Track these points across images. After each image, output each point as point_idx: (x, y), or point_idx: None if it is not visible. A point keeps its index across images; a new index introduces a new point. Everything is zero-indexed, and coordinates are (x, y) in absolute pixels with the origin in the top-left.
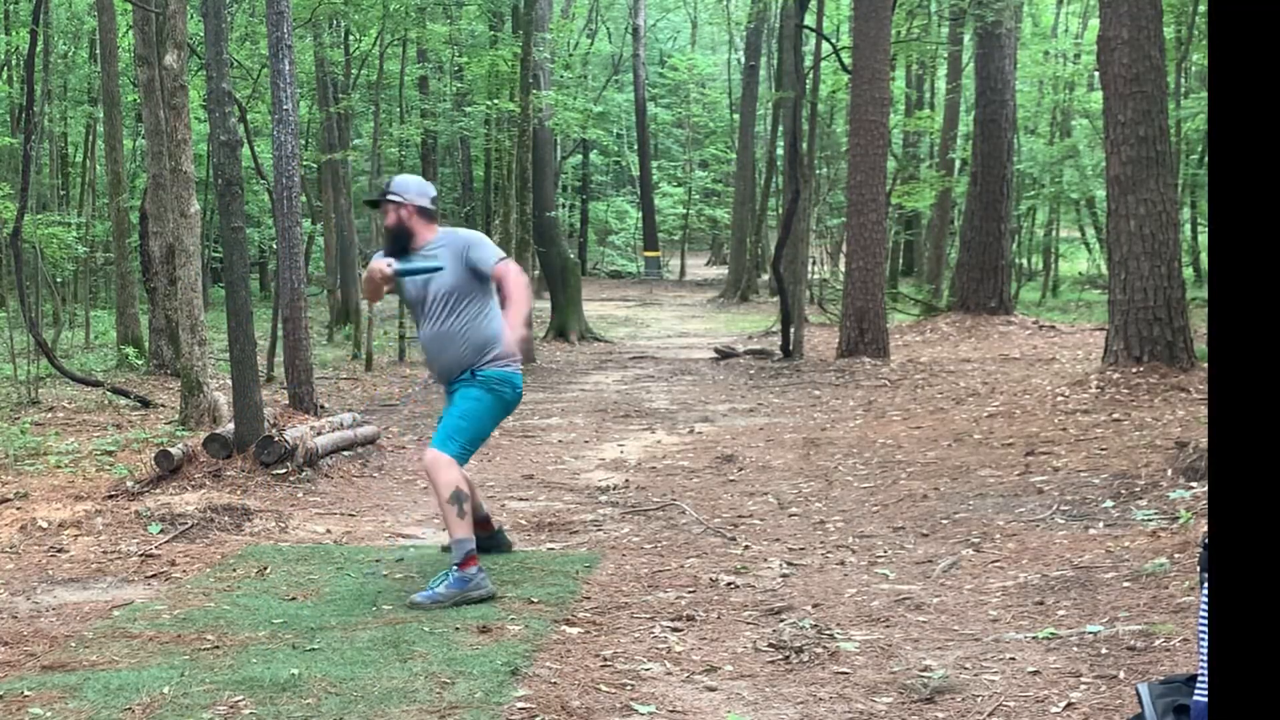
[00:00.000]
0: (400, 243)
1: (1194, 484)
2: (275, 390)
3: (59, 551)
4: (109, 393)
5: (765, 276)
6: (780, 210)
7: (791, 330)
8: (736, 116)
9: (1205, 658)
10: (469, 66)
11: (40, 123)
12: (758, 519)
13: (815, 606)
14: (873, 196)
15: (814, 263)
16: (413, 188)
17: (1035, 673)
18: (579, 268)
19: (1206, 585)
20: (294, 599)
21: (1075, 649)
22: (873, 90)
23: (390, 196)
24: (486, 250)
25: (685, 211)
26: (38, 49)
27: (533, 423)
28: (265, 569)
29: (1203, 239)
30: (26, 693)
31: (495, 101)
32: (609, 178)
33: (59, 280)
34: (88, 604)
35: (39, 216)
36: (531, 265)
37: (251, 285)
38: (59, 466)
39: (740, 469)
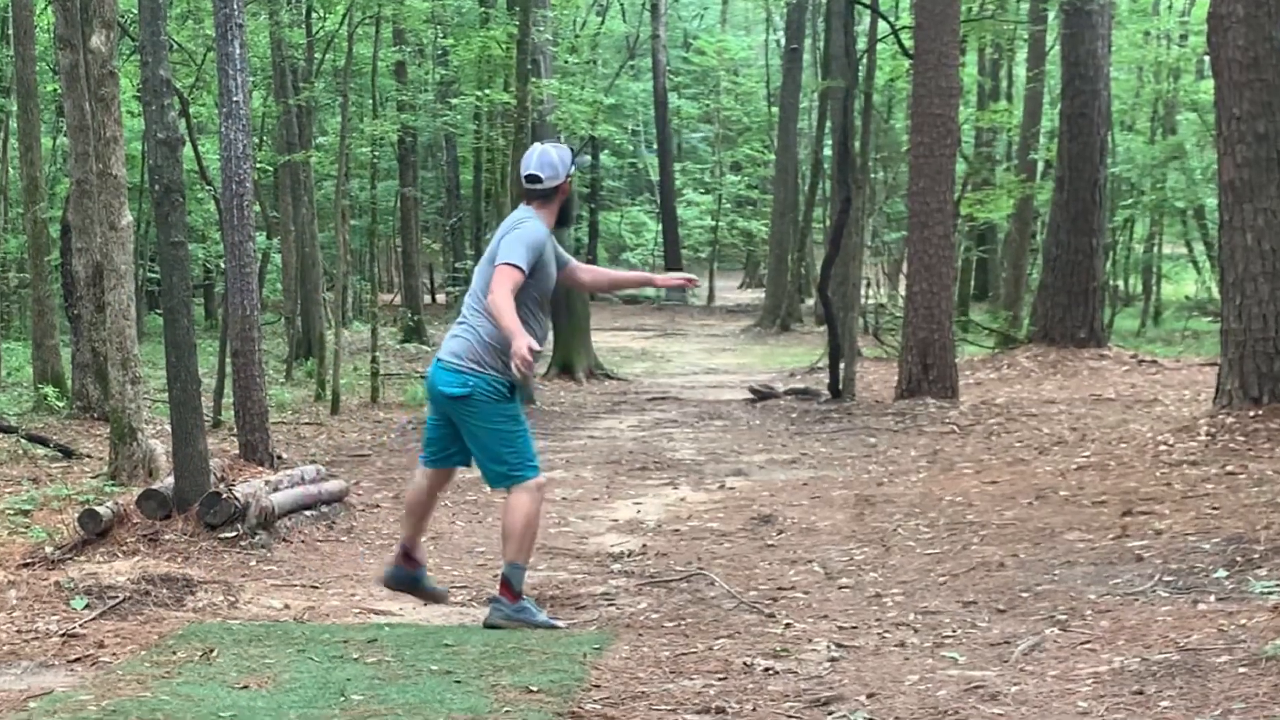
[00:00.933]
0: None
1: None
2: (223, 438)
3: None
4: (23, 440)
5: (810, 302)
6: (828, 222)
7: (841, 366)
8: (775, 110)
9: None
10: (455, 50)
11: None
12: (801, 591)
13: (870, 697)
14: (938, 206)
15: (868, 285)
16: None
17: None
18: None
19: None
20: (245, 687)
21: None
22: (938, 78)
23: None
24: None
25: (714, 224)
26: None
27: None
28: (211, 652)
29: None
30: None
31: (487, 92)
32: (623, 183)
33: None
34: None
35: None
36: None
37: (195, 312)
38: None
39: (780, 532)
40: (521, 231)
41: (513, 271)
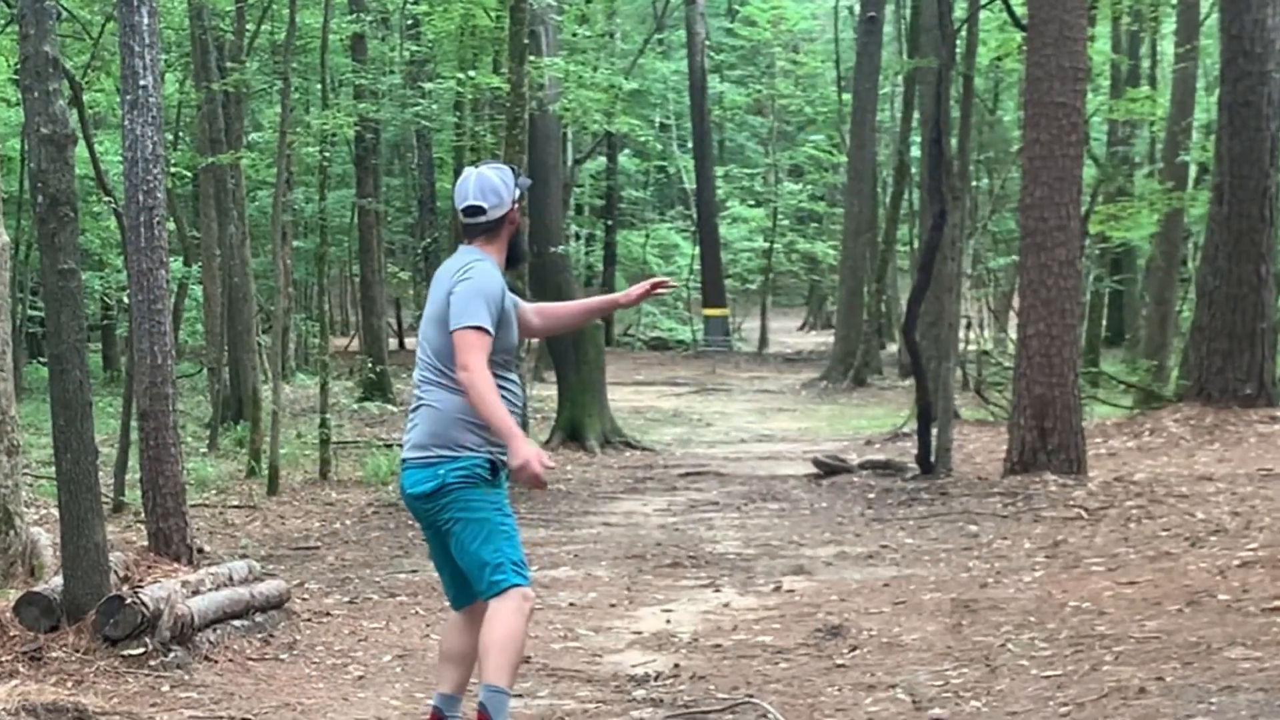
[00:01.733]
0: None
1: None
2: (127, 525)
3: None
4: None
5: (893, 348)
6: (915, 244)
7: (933, 431)
8: (848, 98)
9: None
10: (430, 20)
11: None
12: None
13: None
14: (1060, 223)
15: (969, 326)
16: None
17: None
18: (601, 334)
19: None
20: None
21: None
22: (1060, 56)
23: (510, 198)
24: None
25: (768, 245)
26: None
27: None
28: None
29: None
30: None
31: (471, 75)
32: (648, 193)
33: None
34: None
35: None
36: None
37: (91, 361)
38: None
39: (853, 648)
40: (475, 281)
41: (480, 337)
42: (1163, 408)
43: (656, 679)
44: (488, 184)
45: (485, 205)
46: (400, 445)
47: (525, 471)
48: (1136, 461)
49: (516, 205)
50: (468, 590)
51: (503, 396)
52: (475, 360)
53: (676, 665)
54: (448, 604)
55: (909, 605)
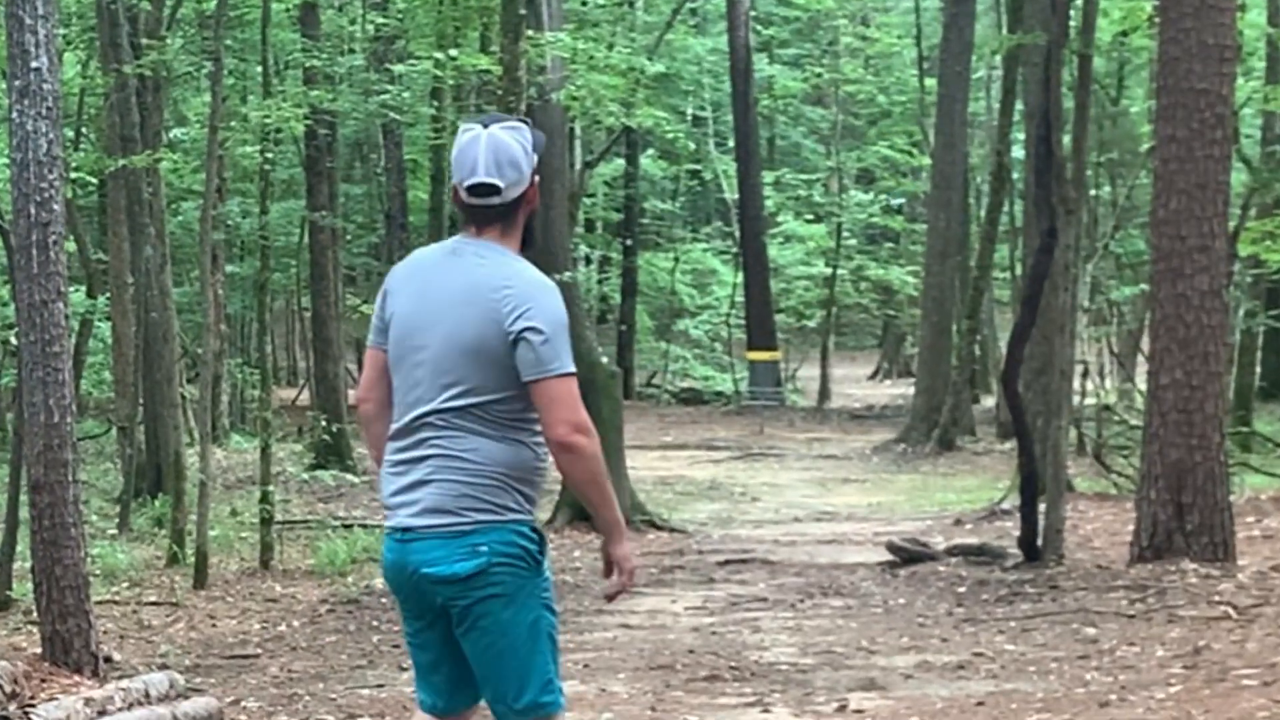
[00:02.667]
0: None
1: None
2: (15, 626)
3: None
4: None
5: (989, 401)
6: (1018, 270)
7: (1041, 508)
8: (932, 83)
9: None
10: None
11: None
12: None
13: None
14: (1201, 243)
15: (1085, 374)
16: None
17: None
18: (619, 382)
19: None
20: None
21: None
22: (1202, 30)
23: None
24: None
25: (830, 271)
26: None
27: None
28: None
29: None
30: None
31: (452, 55)
32: (678, 204)
33: None
34: None
35: None
36: None
37: None
38: None
39: None
40: (555, 307)
41: (574, 385)
42: None
43: None
44: (504, 151)
45: (501, 183)
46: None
47: (628, 574)
48: None
49: (537, 177)
50: (462, 697)
51: (538, 471)
52: (586, 418)
53: None
54: (421, 708)
55: None
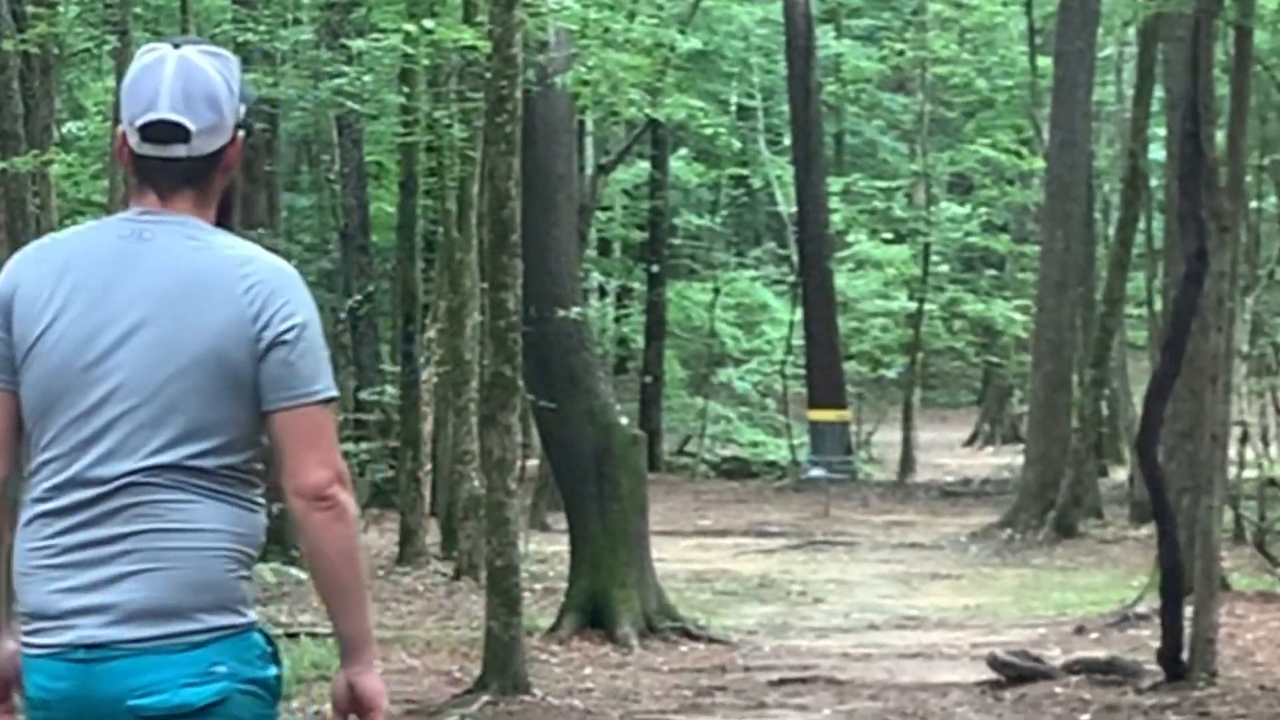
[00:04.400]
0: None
1: None
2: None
3: None
4: None
5: (1120, 474)
6: (1157, 304)
7: (1188, 611)
8: (1047, 64)
9: None
10: None
11: None
12: None
13: None
14: None
15: (1244, 439)
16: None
17: None
18: (642, 450)
19: None
20: None
21: None
22: None
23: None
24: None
25: (916, 306)
26: None
27: None
28: None
29: None
30: None
31: (428, 26)
32: (719, 219)
33: None
34: None
35: None
36: (519, 440)
37: None
38: None
39: None
40: (310, 310)
41: (333, 418)
42: None
43: None
44: (200, 83)
45: (193, 125)
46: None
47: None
48: None
49: (242, 132)
50: None
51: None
52: (342, 464)
53: None
54: None
55: None
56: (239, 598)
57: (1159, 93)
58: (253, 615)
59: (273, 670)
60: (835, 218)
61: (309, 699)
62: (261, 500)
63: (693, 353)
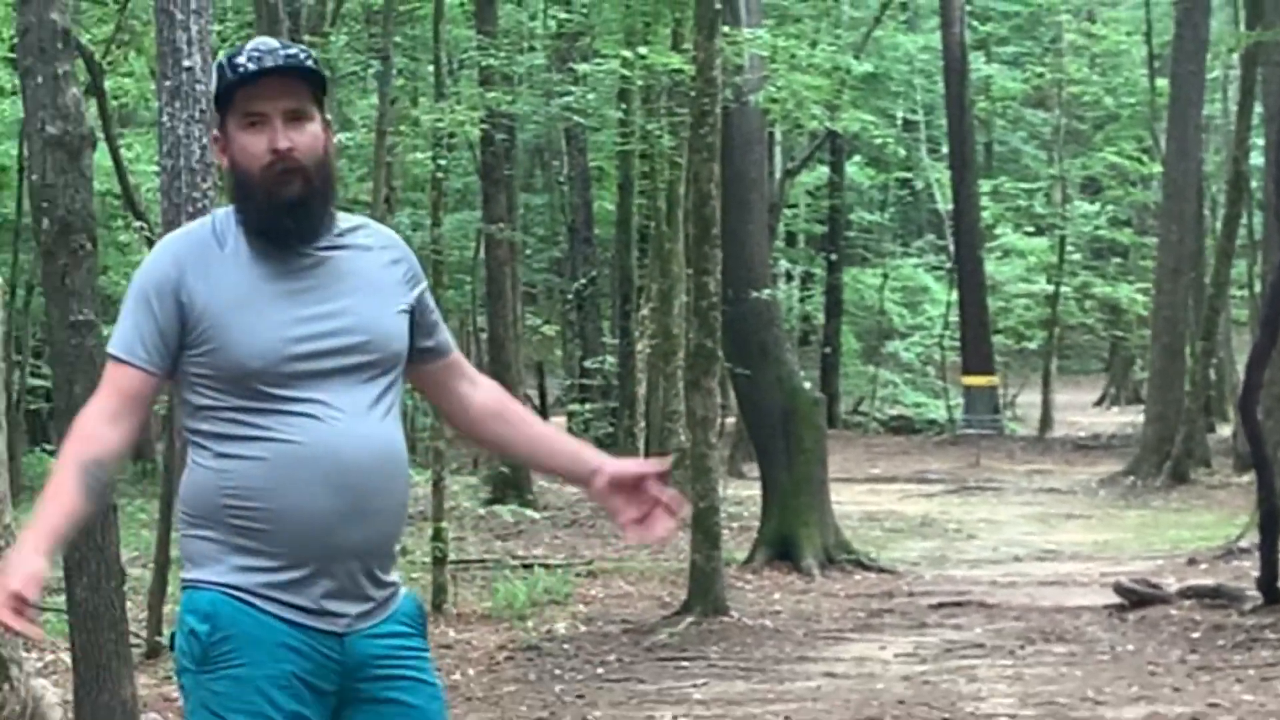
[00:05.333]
0: (307, 217)
1: None
2: (167, 675)
3: None
4: None
5: (1226, 430)
6: (1257, 287)
7: None
8: (1163, 84)
9: None
10: None
11: None
12: None
13: None
14: None
15: None
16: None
17: None
18: (822, 411)
19: None
20: None
21: None
22: None
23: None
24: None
25: (1053, 288)
26: None
27: None
28: None
29: None
30: None
31: (642, 52)
32: (887, 215)
33: None
34: None
35: None
36: (718, 402)
37: None
38: None
39: None
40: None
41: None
42: None
43: None
44: None
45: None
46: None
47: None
48: None
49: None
50: None
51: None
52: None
53: None
54: None
55: None
56: (186, 555)
57: (1258, 109)
58: (196, 573)
59: (178, 629)
60: (985, 214)
61: (541, 619)
62: (202, 460)
63: (865, 328)
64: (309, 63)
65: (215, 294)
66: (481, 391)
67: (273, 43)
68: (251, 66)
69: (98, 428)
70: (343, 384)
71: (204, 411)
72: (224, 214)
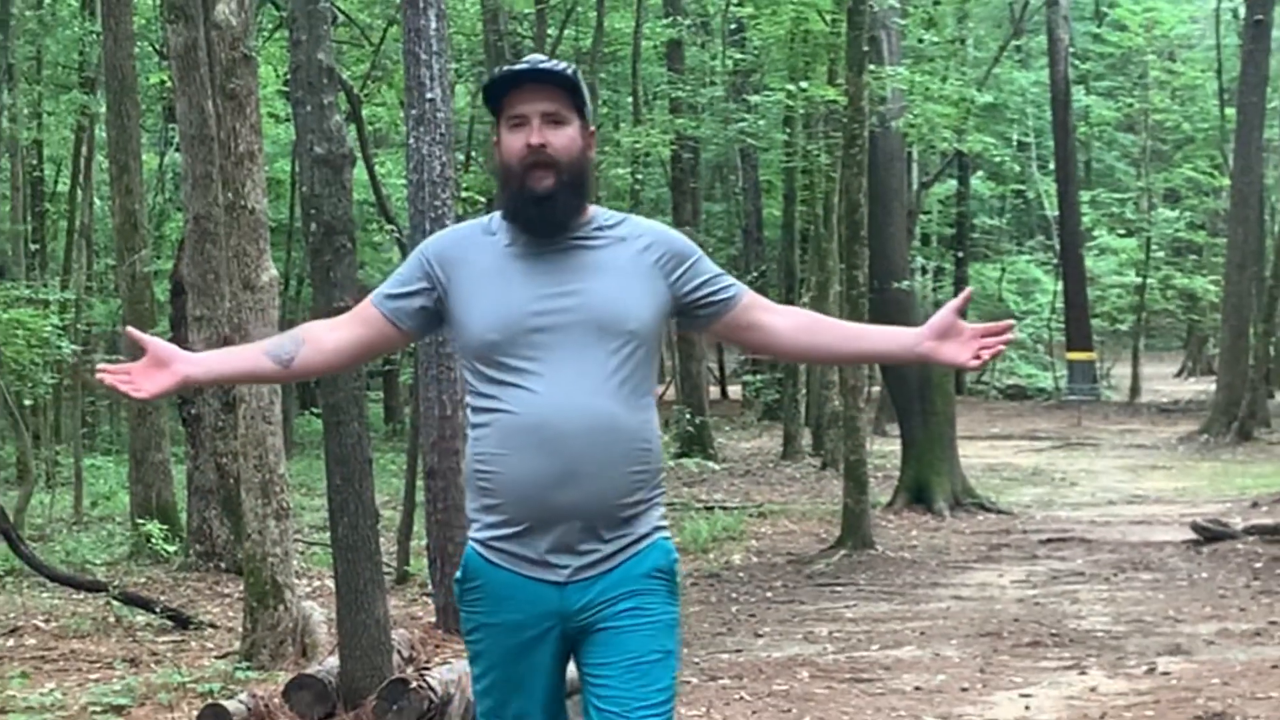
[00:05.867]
0: (553, 209)
1: None
2: (413, 598)
3: None
4: (116, 602)
5: None
6: None
7: None
8: (1232, 112)
9: None
10: (756, 24)
11: None
12: None
13: None
14: None
15: None
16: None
17: None
18: (950, 381)
19: None
20: None
21: None
22: None
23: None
24: (715, 269)
25: (1140, 280)
26: None
27: (869, 655)
28: None
29: None
30: None
31: (803, 86)
32: (1004, 220)
33: (28, 403)
34: None
35: None
36: (865, 376)
37: (371, 412)
38: None
39: None
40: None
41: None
42: None
43: None
44: None
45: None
46: (720, 505)
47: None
48: None
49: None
50: None
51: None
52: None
53: None
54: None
55: None
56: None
57: None
58: (469, 531)
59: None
60: (1085, 219)
61: (720, 552)
62: (469, 431)
63: (986, 313)
64: (566, 73)
65: (469, 275)
66: (786, 317)
67: (539, 57)
68: (513, 74)
69: (314, 324)
70: (569, 358)
71: (469, 387)
72: (499, 213)
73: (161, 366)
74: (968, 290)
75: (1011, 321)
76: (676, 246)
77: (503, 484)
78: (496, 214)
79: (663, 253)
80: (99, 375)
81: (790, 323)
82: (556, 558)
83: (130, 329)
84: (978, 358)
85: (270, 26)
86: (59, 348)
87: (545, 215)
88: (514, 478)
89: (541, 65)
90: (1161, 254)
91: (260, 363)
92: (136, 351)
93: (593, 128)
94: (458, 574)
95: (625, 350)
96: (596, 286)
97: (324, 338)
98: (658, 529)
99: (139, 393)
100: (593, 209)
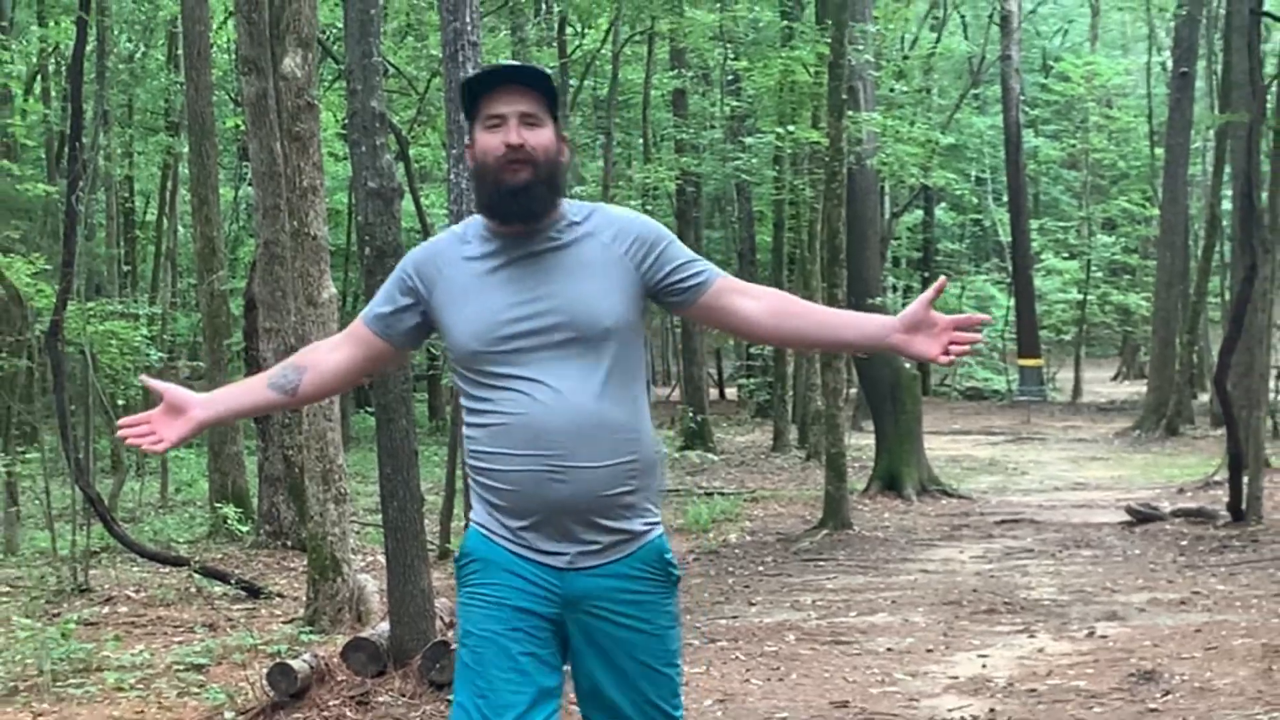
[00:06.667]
0: (529, 201)
1: None
2: (452, 571)
3: None
4: (197, 575)
5: (1205, 397)
6: (1227, 296)
7: (1245, 479)
8: (1160, 152)
9: None
10: (750, 76)
11: (92, 161)
12: None
13: None
14: None
15: (1278, 376)
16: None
17: None
18: (918, 384)
19: None
20: None
21: None
22: None
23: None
24: (686, 253)
25: (1081, 297)
26: (88, 49)
27: (847, 621)
28: None
29: None
30: None
31: (790, 129)
32: (964, 245)
33: (121, 403)
34: None
35: (90, 305)
36: (844, 379)
37: (417, 410)
38: (120, 689)
39: (1166, 693)
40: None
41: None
42: None
43: None
44: None
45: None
46: (719, 491)
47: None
48: None
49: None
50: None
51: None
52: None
53: (992, 710)
54: None
55: (1221, 651)
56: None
57: (1228, 169)
58: (472, 514)
59: (463, 553)
60: (1034, 244)
61: (719, 532)
62: (464, 430)
63: None
64: (543, 76)
65: (447, 287)
66: (762, 301)
67: (512, 62)
68: (492, 74)
69: (314, 350)
70: (551, 361)
71: (460, 389)
72: (472, 220)
73: (178, 413)
74: (942, 279)
75: (985, 316)
76: (644, 234)
77: (500, 483)
78: (470, 220)
79: (630, 241)
80: (120, 433)
81: (763, 306)
82: (554, 545)
83: (145, 377)
84: (948, 353)
85: (330, 78)
86: (147, 355)
87: (521, 206)
88: (510, 477)
89: (519, 66)
90: (1100, 274)
91: (267, 395)
92: (208, 365)
93: (565, 132)
94: (457, 555)
95: (604, 347)
96: (569, 290)
97: (322, 362)
98: (653, 526)
99: (159, 445)
100: (563, 205)
